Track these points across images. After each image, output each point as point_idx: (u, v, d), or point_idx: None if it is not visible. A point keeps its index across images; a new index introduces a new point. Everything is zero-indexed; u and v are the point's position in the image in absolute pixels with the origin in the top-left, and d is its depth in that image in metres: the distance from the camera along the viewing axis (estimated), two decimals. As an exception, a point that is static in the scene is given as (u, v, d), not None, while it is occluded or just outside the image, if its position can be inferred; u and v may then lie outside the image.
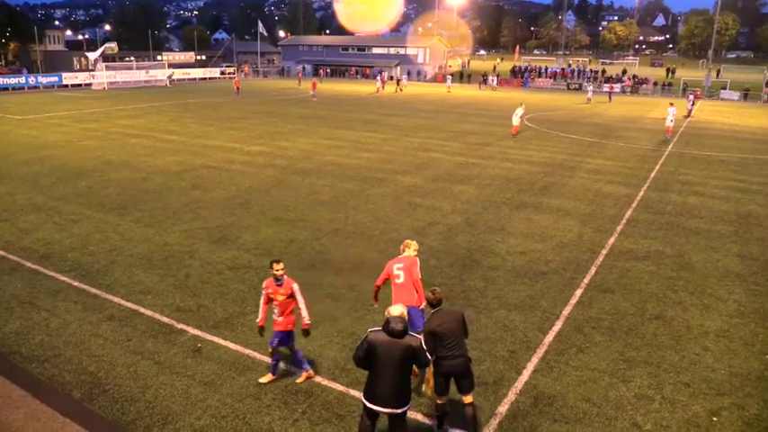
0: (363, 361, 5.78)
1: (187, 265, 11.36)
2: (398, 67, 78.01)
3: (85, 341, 8.44)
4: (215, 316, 9.28)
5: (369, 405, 5.80)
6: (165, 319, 9.12)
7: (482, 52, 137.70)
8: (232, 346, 8.37)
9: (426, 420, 6.75)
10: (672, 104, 30.38)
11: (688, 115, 39.99)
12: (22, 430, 6.54)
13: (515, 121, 29.21)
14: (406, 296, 7.39)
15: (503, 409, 7.07)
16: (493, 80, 66.05)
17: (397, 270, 7.53)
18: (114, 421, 6.73)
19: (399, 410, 5.79)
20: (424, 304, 7.33)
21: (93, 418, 6.76)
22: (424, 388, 6.51)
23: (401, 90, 57.95)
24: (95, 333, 8.67)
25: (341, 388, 7.38)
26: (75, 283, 10.41)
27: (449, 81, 63.73)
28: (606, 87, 58.67)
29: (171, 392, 7.25)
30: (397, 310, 5.85)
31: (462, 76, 75.93)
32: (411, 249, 7.74)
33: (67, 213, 14.62)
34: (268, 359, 7.97)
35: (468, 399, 6.38)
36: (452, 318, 6.28)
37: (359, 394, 7.18)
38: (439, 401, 6.41)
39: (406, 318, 5.85)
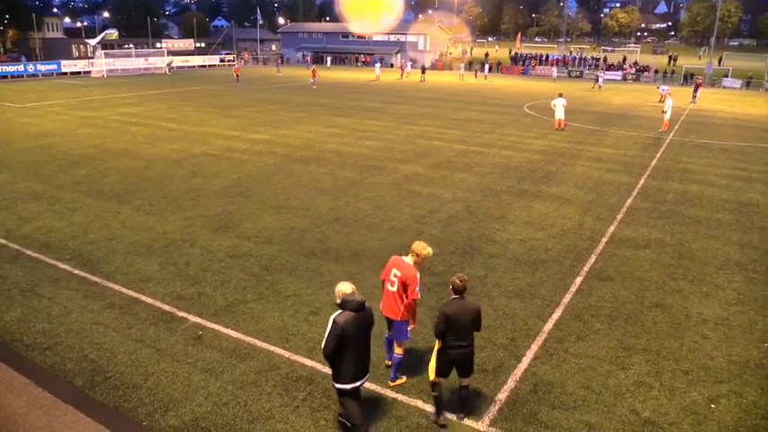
0: (336, 349, 5.75)
1: (187, 253, 11.37)
2: (398, 55, 77.63)
3: (87, 329, 8.47)
4: (215, 304, 9.30)
5: (354, 385, 5.95)
6: (166, 307, 9.14)
7: (481, 40, 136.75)
8: (233, 333, 8.40)
9: (426, 407, 6.78)
10: (670, 95, 29.49)
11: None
12: (25, 417, 6.59)
13: (560, 113, 26.90)
14: (390, 306, 6.90)
15: (502, 396, 7.11)
16: (484, 68, 64.09)
17: (393, 276, 6.87)
18: (116, 408, 6.78)
19: (367, 376, 6.13)
20: (411, 326, 7.11)
21: (95, 406, 6.80)
22: (431, 376, 6.54)
23: (425, 80, 56.12)
24: (96, 321, 8.70)
25: (341, 375, 7.41)
26: (76, 272, 10.43)
27: (462, 70, 62.67)
28: (607, 75, 58.42)
29: (172, 380, 7.29)
30: (346, 287, 5.96)
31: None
32: (410, 256, 6.91)
33: (67, 201, 14.62)
34: (269, 346, 8.02)
35: (465, 382, 6.53)
36: (468, 311, 6.29)
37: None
38: (436, 380, 6.46)
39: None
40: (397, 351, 7.12)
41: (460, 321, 6.25)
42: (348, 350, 5.80)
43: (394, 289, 6.86)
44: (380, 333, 8.26)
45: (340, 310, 5.85)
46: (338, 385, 5.93)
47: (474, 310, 6.35)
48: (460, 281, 6.35)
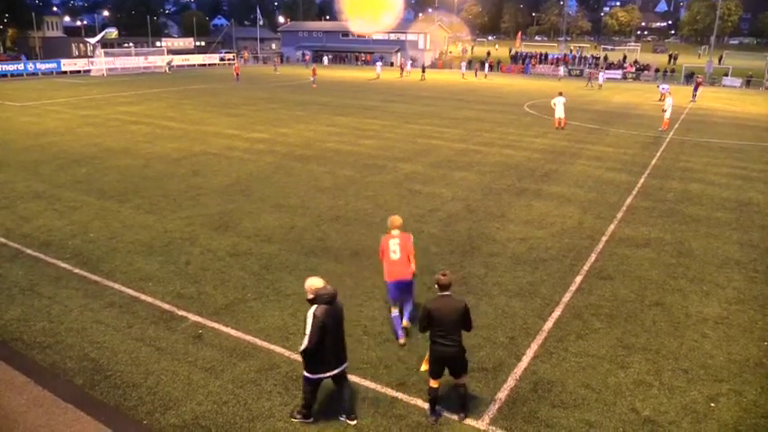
0: (319, 344, 6.00)
1: (187, 252, 11.37)
2: (398, 54, 77.57)
3: (87, 328, 8.47)
4: (215, 303, 9.31)
5: (326, 375, 6.22)
6: (166, 306, 9.15)
7: (481, 39, 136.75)
8: (233, 332, 8.41)
9: (423, 405, 6.78)
10: (670, 94, 29.47)
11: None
12: (25, 416, 6.59)
13: (560, 112, 26.72)
14: (403, 270, 7.97)
15: (502, 395, 7.11)
16: (484, 67, 63.31)
17: (394, 246, 7.99)
18: (116, 407, 6.78)
19: (346, 364, 6.40)
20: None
21: (95, 404, 6.81)
22: (422, 368, 6.64)
23: (424, 78, 55.99)
24: (96, 320, 8.71)
25: (341, 374, 7.41)
26: (76, 270, 10.43)
27: (463, 68, 62.47)
28: (604, 74, 58.29)
29: (172, 378, 7.29)
30: (317, 281, 6.23)
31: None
32: (396, 231, 8.11)
33: (68, 200, 14.62)
34: (269, 345, 8.02)
35: (459, 380, 6.51)
36: (452, 308, 6.27)
37: (359, 380, 7.25)
38: (432, 385, 6.47)
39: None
40: (407, 314, 8.23)
41: (444, 318, 6.23)
42: (326, 342, 6.03)
43: (398, 257, 7.98)
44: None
45: (315, 305, 6.06)
46: (314, 376, 6.20)
47: (459, 309, 6.29)
48: (444, 276, 6.37)
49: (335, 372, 6.28)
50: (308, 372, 6.23)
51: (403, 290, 8.11)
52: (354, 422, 6.50)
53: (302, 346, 6.05)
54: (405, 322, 8.23)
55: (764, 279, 10.79)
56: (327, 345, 6.07)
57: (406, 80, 56.09)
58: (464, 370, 6.49)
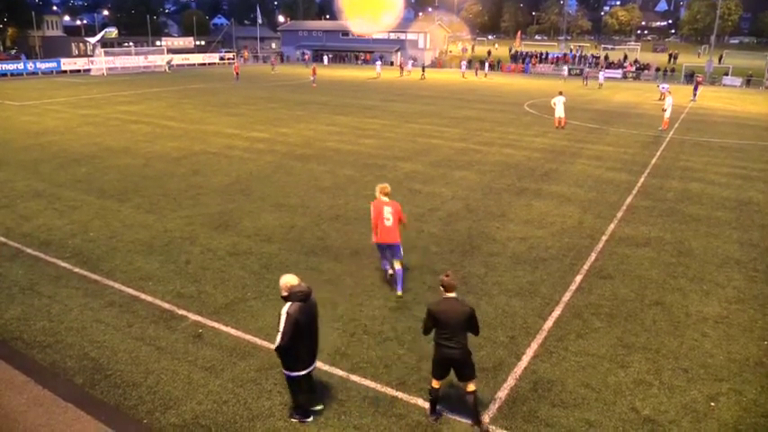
0: (292, 340, 6.02)
1: (187, 252, 11.37)
2: (398, 53, 77.55)
3: (87, 327, 8.47)
4: (215, 302, 9.31)
5: (308, 371, 6.30)
6: (166, 306, 9.15)
7: (481, 38, 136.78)
8: (233, 331, 8.41)
9: (423, 404, 6.78)
10: (670, 93, 29.40)
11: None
12: (25, 415, 6.59)
13: (560, 112, 26.73)
14: (393, 235, 9.24)
15: (502, 394, 7.11)
16: (484, 66, 63.46)
17: (388, 213, 9.18)
18: (116, 406, 6.78)
19: (316, 361, 6.48)
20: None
21: (96, 404, 6.81)
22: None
23: (424, 77, 56.15)
24: (96, 319, 8.70)
25: (341, 373, 7.42)
26: (76, 270, 10.43)
27: (464, 67, 62.37)
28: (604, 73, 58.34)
29: (172, 378, 7.29)
30: (292, 278, 6.19)
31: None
32: (386, 198, 9.33)
33: (68, 200, 14.62)
34: (269, 344, 8.01)
35: (469, 387, 6.39)
36: (457, 312, 6.19)
37: (359, 379, 7.27)
38: (433, 385, 6.44)
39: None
40: (398, 266, 9.46)
41: (450, 321, 6.17)
42: (300, 339, 6.05)
43: (390, 223, 9.18)
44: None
45: (289, 303, 6.05)
46: (293, 374, 6.25)
47: (465, 312, 6.21)
48: (447, 277, 6.29)
49: (310, 369, 6.34)
50: (286, 370, 6.29)
51: (391, 250, 9.44)
52: (321, 407, 6.69)
53: (275, 344, 6.06)
54: (398, 290, 9.47)
55: (764, 278, 10.79)
56: (301, 343, 6.10)
57: (406, 79, 56.11)
58: (471, 373, 6.37)
